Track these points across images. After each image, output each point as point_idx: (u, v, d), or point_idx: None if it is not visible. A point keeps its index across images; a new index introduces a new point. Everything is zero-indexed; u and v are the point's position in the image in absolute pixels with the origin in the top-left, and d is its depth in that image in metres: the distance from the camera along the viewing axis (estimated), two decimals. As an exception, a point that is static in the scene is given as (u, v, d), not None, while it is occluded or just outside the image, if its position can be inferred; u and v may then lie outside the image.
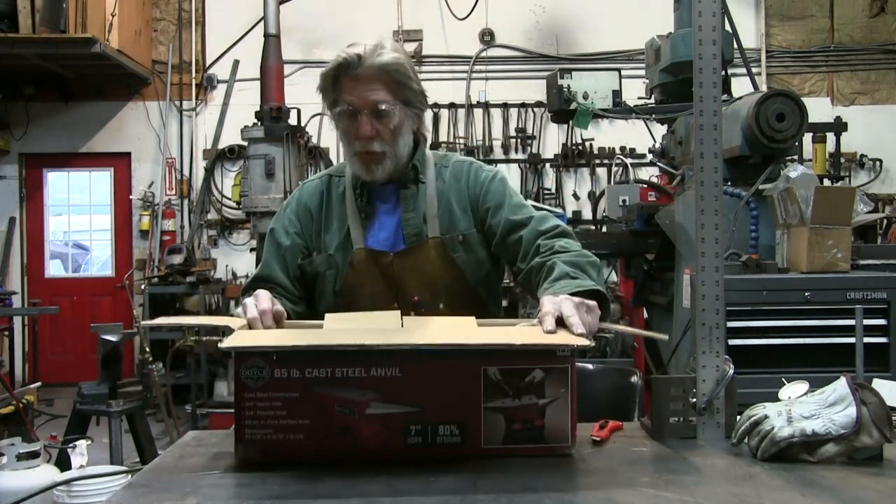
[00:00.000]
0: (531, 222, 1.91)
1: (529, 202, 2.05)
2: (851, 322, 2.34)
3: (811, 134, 7.09)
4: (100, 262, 8.78)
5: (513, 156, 8.36)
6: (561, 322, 1.47)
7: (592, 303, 1.54)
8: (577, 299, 1.52)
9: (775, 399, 1.51)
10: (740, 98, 3.43)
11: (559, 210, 7.97)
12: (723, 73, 3.12)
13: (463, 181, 2.00)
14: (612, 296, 1.81)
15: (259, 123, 6.08)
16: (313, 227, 2.02)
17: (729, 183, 3.18)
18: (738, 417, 1.52)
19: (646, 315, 4.40)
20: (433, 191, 1.98)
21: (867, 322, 2.42)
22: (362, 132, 1.86)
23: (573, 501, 1.24)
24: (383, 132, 1.87)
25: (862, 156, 8.24)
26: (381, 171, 1.91)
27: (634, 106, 4.01)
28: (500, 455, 1.42)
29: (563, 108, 3.96)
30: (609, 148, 8.13)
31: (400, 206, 1.97)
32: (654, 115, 4.04)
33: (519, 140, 8.38)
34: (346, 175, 2.02)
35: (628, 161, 7.92)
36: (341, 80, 1.87)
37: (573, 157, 8.27)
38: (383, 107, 1.85)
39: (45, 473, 2.88)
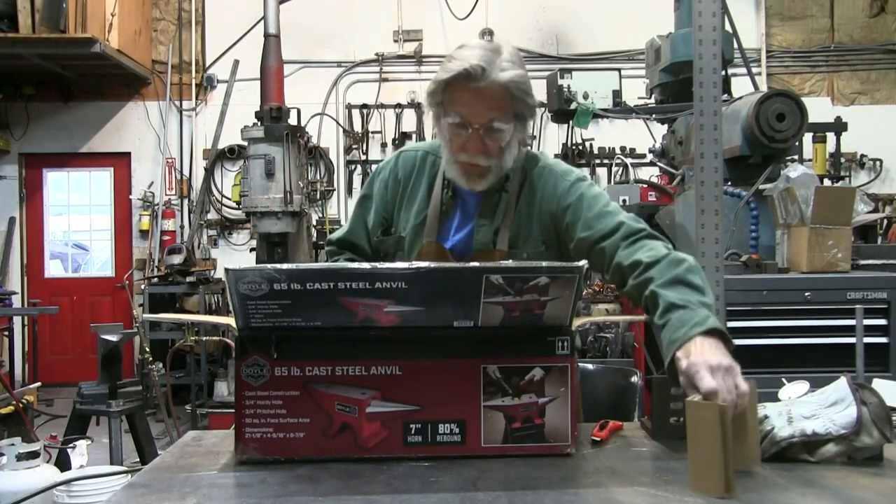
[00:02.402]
0: (611, 234, 1.77)
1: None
2: (851, 322, 2.34)
3: (811, 134, 7.08)
4: (100, 262, 8.78)
5: (513, 156, 8.35)
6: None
7: (728, 362, 1.38)
8: (714, 361, 1.36)
9: (775, 399, 1.51)
10: (740, 98, 3.43)
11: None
12: (723, 73, 3.12)
13: (540, 190, 1.90)
14: (666, 305, 1.65)
15: (259, 123, 6.09)
16: (398, 199, 1.96)
17: (729, 183, 3.18)
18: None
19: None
20: (512, 201, 1.88)
21: (867, 322, 2.43)
22: (471, 148, 1.77)
23: (573, 501, 1.24)
24: (492, 148, 1.78)
25: (862, 156, 8.24)
26: (482, 184, 1.83)
27: (634, 106, 4.01)
28: (501, 454, 1.42)
29: (563, 108, 3.97)
30: (609, 148, 8.12)
31: (478, 212, 1.89)
32: (654, 115, 4.04)
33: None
34: (442, 160, 1.91)
35: (628, 161, 7.91)
36: (457, 86, 1.74)
37: (573, 157, 8.22)
38: (497, 125, 1.75)
39: (45, 473, 2.87)
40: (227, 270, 1.33)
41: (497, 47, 1.75)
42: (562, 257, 1.87)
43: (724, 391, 1.32)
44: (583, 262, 1.37)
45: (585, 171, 8.37)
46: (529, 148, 1.99)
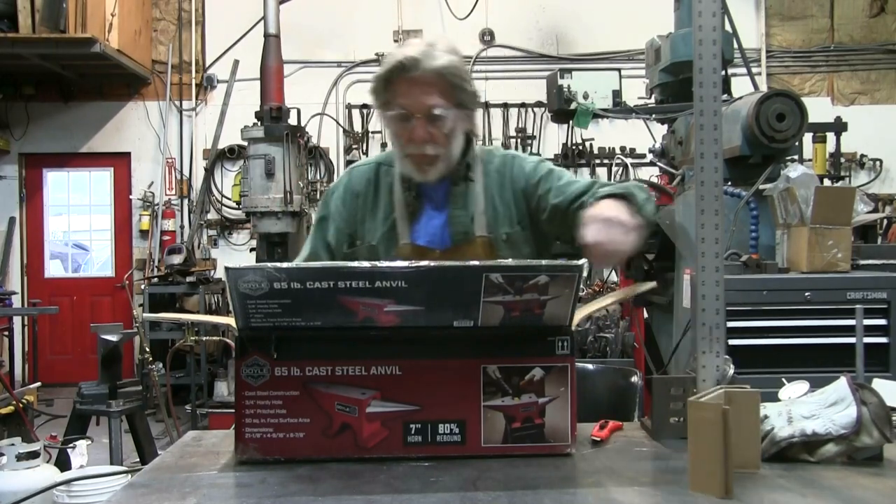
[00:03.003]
0: (587, 190, 1.89)
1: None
2: (851, 322, 2.34)
3: (811, 134, 7.08)
4: (100, 262, 8.78)
5: (513, 156, 8.36)
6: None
7: (623, 217, 1.60)
8: (607, 215, 1.57)
9: (775, 399, 1.51)
10: (740, 98, 3.42)
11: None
12: (723, 73, 3.12)
13: (507, 175, 1.97)
14: (646, 196, 1.84)
15: (259, 123, 6.09)
16: (359, 213, 2.00)
17: (729, 183, 3.18)
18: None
19: (646, 315, 4.40)
20: (480, 188, 1.95)
21: (867, 322, 2.42)
22: (416, 136, 1.84)
23: (573, 501, 1.24)
24: (437, 136, 1.85)
25: (862, 156, 8.24)
26: (433, 173, 1.89)
27: (634, 106, 4.00)
28: (500, 454, 1.42)
29: (563, 108, 3.96)
30: (609, 148, 8.12)
31: (448, 203, 1.95)
32: (654, 115, 4.03)
33: (519, 140, 8.38)
34: (396, 167, 1.98)
35: (628, 161, 7.92)
36: (395, 81, 1.84)
37: (573, 157, 8.27)
38: (438, 111, 1.83)
39: (45, 473, 2.88)
40: (227, 269, 1.34)
41: (433, 41, 1.85)
42: (535, 235, 1.96)
43: (605, 242, 1.53)
44: (582, 261, 1.37)
45: (585, 171, 8.42)
46: (494, 145, 2.09)
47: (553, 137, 8.40)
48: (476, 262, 1.37)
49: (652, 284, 1.87)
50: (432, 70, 1.81)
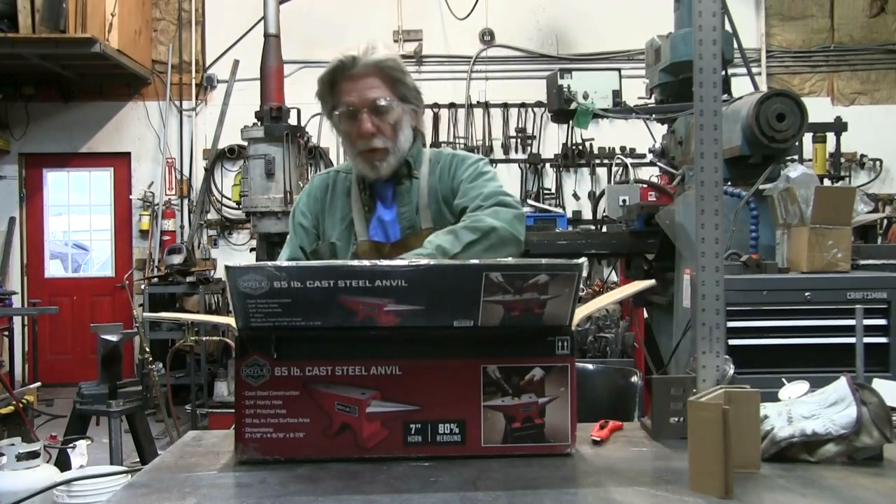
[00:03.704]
0: (475, 199, 1.97)
1: (493, 184, 2.06)
2: (851, 322, 2.34)
3: (811, 134, 7.09)
4: (100, 262, 8.78)
5: (513, 156, 8.37)
6: None
7: None
8: None
9: (775, 399, 1.51)
10: (740, 98, 3.42)
11: (559, 210, 7.99)
12: (723, 73, 3.12)
13: (447, 173, 2.08)
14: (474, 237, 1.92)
15: (259, 123, 6.08)
16: (320, 215, 2.13)
17: (729, 183, 3.18)
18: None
19: (646, 315, 4.40)
20: (426, 185, 2.06)
21: (867, 322, 2.42)
22: (364, 129, 1.94)
23: (573, 501, 1.24)
24: (384, 128, 1.95)
25: (862, 156, 8.24)
26: (385, 167, 1.99)
27: (634, 106, 4.00)
28: (500, 454, 1.42)
29: (563, 108, 3.96)
30: (609, 148, 8.13)
31: (395, 200, 2.06)
32: (654, 115, 4.03)
33: (519, 140, 8.38)
34: (354, 172, 2.10)
35: (628, 161, 7.92)
36: (339, 83, 1.95)
37: (573, 157, 8.27)
38: (382, 102, 1.93)
39: (45, 473, 2.87)
40: (227, 268, 1.34)
41: (372, 42, 1.96)
42: None
43: None
44: (582, 260, 1.37)
45: (585, 171, 8.42)
46: (464, 145, 2.16)
47: (553, 137, 8.40)
48: (476, 261, 1.37)
49: (651, 282, 1.86)
50: (371, 64, 1.92)
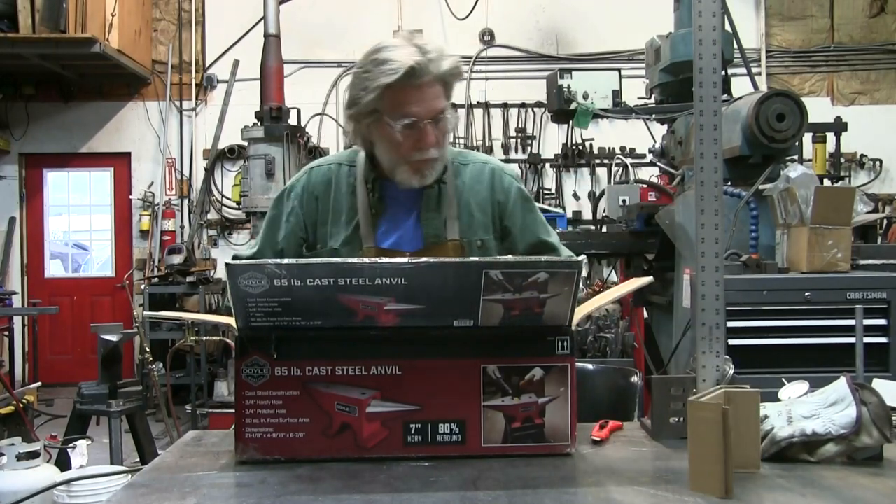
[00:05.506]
0: (539, 235, 1.95)
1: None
2: (851, 322, 2.34)
3: (811, 134, 7.08)
4: (100, 262, 8.78)
5: (513, 156, 8.36)
6: None
7: None
8: None
9: (775, 399, 1.51)
10: (740, 98, 3.42)
11: (559, 210, 7.99)
12: (723, 73, 3.12)
13: (485, 184, 1.95)
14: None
15: (259, 123, 6.09)
16: (317, 216, 1.93)
17: (729, 183, 3.18)
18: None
19: (646, 315, 4.40)
20: (452, 191, 1.91)
21: (867, 322, 2.42)
22: (429, 142, 1.79)
23: (573, 501, 1.24)
24: (440, 139, 1.82)
25: (862, 156, 8.24)
26: (432, 176, 1.85)
27: (634, 106, 4.00)
28: (500, 454, 1.42)
29: (563, 108, 3.96)
30: (609, 148, 8.13)
31: (418, 204, 1.90)
32: (654, 115, 4.03)
33: (519, 140, 8.38)
34: (358, 167, 1.93)
35: (628, 161, 7.92)
36: (399, 89, 1.74)
37: (573, 157, 8.27)
38: (447, 115, 1.81)
39: (45, 473, 2.88)
40: (227, 265, 1.34)
41: (409, 37, 1.79)
42: (501, 248, 1.95)
43: None
44: (581, 258, 1.37)
45: (585, 171, 8.41)
46: (464, 145, 2.09)
47: (553, 137, 8.40)
48: (475, 259, 1.37)
49: (649, 279, 1.85)
50: (440, 75, 1.77)
